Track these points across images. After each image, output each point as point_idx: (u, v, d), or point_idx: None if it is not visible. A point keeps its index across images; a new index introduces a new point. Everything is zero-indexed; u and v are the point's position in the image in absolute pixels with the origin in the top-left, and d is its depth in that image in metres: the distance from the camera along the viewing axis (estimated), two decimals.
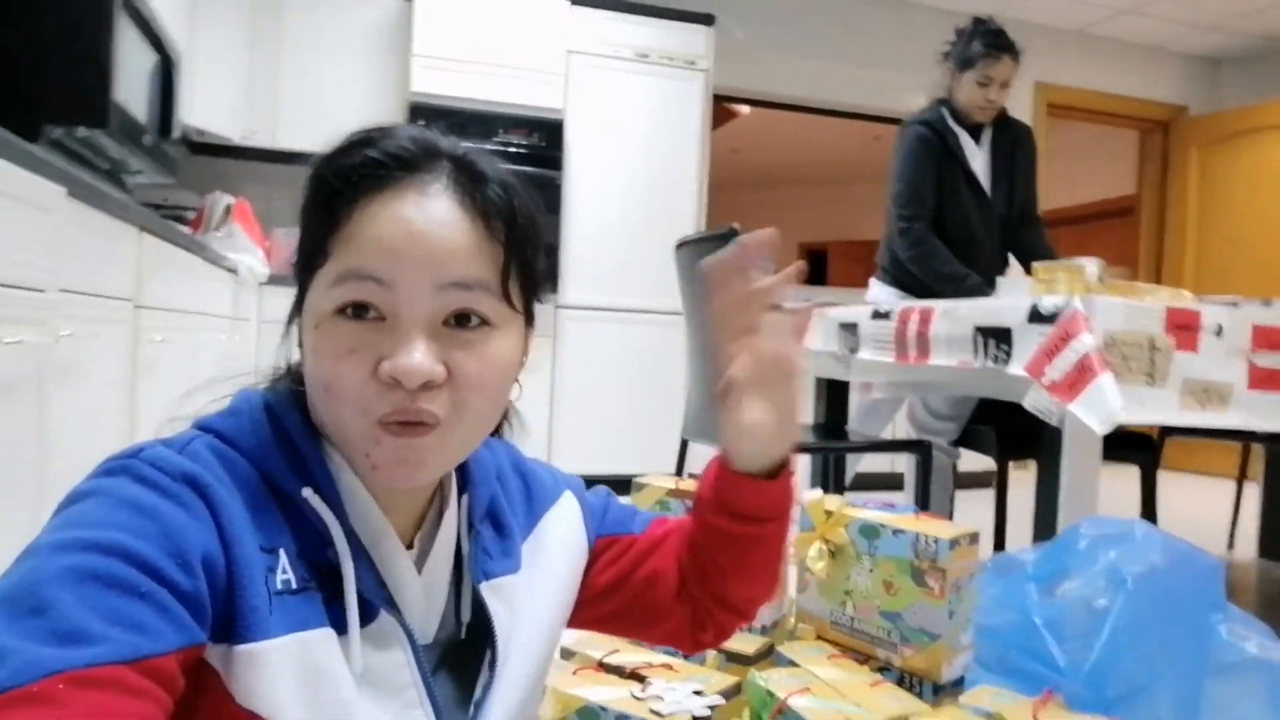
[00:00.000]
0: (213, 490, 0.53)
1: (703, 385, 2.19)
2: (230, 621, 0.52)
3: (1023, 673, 1.22)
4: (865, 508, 1.38)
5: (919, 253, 2.45)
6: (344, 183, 0.59)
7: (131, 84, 2.01)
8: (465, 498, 0.70)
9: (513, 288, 0.63)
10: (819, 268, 9.14)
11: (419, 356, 0.57)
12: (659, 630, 0.82)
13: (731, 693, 1.19)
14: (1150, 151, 5.16)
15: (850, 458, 2.54)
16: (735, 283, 0.71)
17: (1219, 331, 1.64)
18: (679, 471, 2.18)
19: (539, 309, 0.70)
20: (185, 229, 2.85)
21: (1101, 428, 1.47)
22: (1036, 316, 1.63)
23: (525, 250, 0.65)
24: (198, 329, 2.24)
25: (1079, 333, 1.54)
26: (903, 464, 2.71)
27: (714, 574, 0.78)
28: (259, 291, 3.14)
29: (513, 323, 0.64)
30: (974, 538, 1.25)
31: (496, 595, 0.69)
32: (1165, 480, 2.63)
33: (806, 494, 1.44)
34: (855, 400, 2.51)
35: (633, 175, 3.68)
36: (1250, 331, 1.66)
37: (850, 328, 2.25)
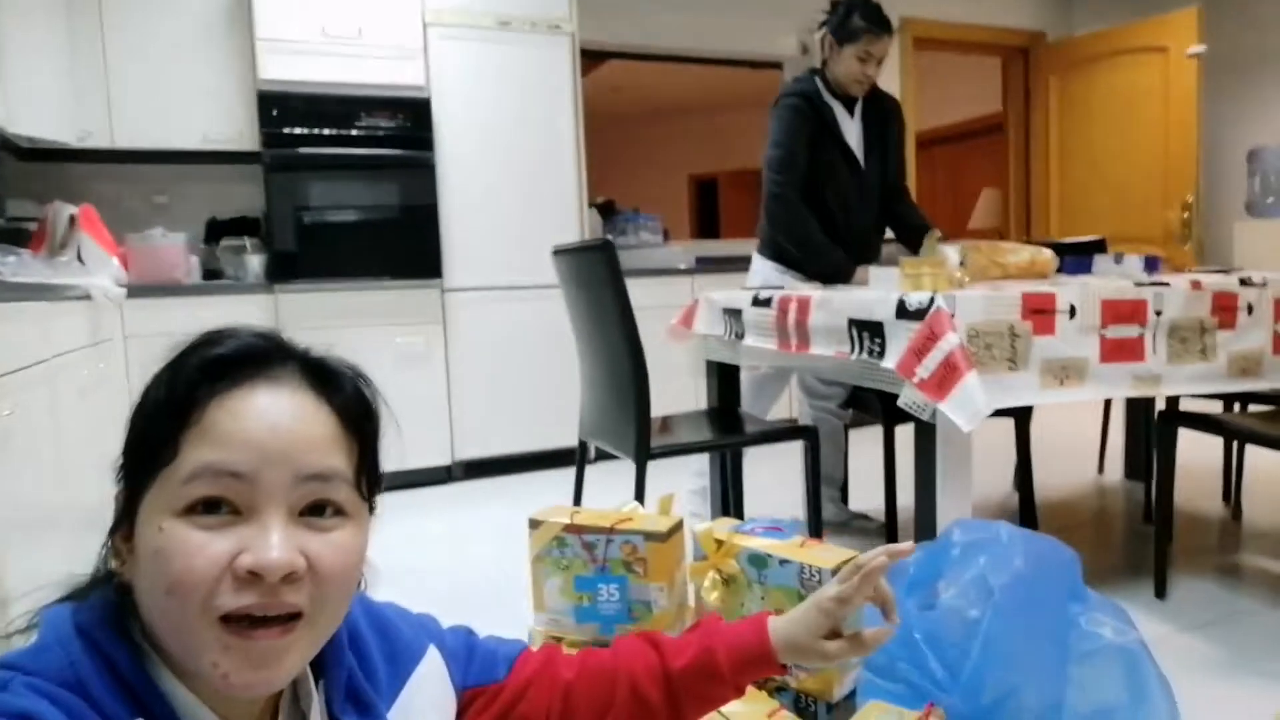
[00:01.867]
0: None
1: (595, 389, 2.19)
2: None
3: (908, 683, 1.31)
4: (754, 533, 1.42)
5: (789, 217, 2.47)
6: (197, 379, 0.60)
7: None
8: (320, 684, 0.70)
9: (363, 478, 0.66)
10: (709, 198, 9.15)
11: (282, 549, 0.57)
12: None
13: None
14: (1012, 77, 5.31)
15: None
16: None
17: (1072, 312, 1.73)
18: (579, 473, 2.19)
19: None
20: (23, 252, 2.64)
21: (968, 425, 1.55)
22: (904, 312, 1.69)
23: (375, 441, 0.68)
24: (54, 378, 2.10)
25: (944, 332, 1.60)
26: (805, 417, 2.79)
27: None
28: (119, 307, 2.95)
29: (362, 512, 0.66)
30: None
31: None
32: (1040, 409, 2.79)
33: (699, 525, 1.47)
34: (745, 376, 2.55)
35: (507, 147, 3.57)
36: (1099, 308, 1.76)
37: (734, 313, 2.28)
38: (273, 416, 0.60)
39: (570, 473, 2.31)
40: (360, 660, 0.75)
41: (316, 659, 0.69)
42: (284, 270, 3.25)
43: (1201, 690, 1.63)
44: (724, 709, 1.26)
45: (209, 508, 0.57)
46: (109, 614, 0.60)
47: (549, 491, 3.20)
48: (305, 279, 3.27)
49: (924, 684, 1.28)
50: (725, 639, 0.88)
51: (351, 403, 0.66)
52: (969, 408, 1.54)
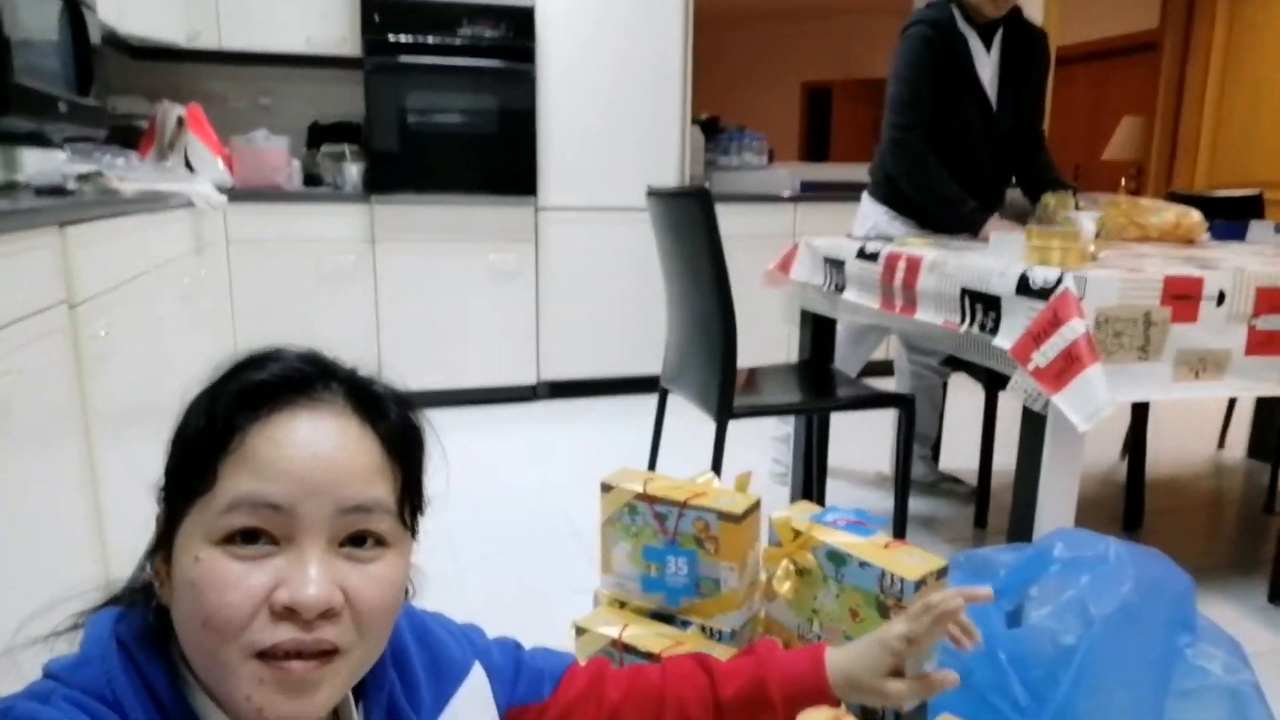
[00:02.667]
0: None
1: (681, 337, 2.11)
2: None
3: (985, 701, 1.23)
4: (835, 526, 1.34)
5: (913, 169, 2.28)
6: (237, 405, 0.57)
7: (29, 49, 1.81)
8: (361, 706, 0.68)
9: (406, 506, 0.63)
10: (823, 107, 8.69)
11: (319, 584, 0.55)
12: None
13: None
14: None
15: (846, 370, 2.46)
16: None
17: (1220, 299, 1.54)
18: (658, 426, 2.14)
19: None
20: (132, 154, 2.68)
21: (1084, 425, 1.41)
22: (1026, 289, 1.53)
23: (420, 467, 0.66)
24: (151, 291, 2.14)
25: (1069, 317, 1.44)
26: (903, 369, 2.64)
27: None
28: (224, 211, 3.00)
29: (404, 540, 0.63)
30: (942, 572, 1.22)
31: None
32: None
33: (776, 512, 1.40)
34: (843, 324, 2.41)
35: (610, 61, 3.40)
36: (1254, 295, 1.56)
37: (837, 264, 2.14)
38: (315, 446, 0.57)
39: (651, 401, 2.25)
40: (403, 677, 0.73)
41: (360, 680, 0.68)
42: (381, 180, 3.24)
43: None
44: None
45: (246, 538, 0.56)
46: (148, 629, 0.59)
47: (629, 419, 3.18)
48: (402, 190, 3.24)
49: (1003, 706, 1.20)
50: (779, 669, 0.87)
51: (396, 430, 0.63)
52: (1088, 405, 1.40)
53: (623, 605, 1.49)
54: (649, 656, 1.35)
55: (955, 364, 2.57)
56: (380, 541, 0.60)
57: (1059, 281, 1.46)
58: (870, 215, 2.48)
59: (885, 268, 1.91)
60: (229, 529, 0.55)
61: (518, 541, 2.14)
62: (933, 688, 0.87)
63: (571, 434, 3.15)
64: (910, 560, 1.23)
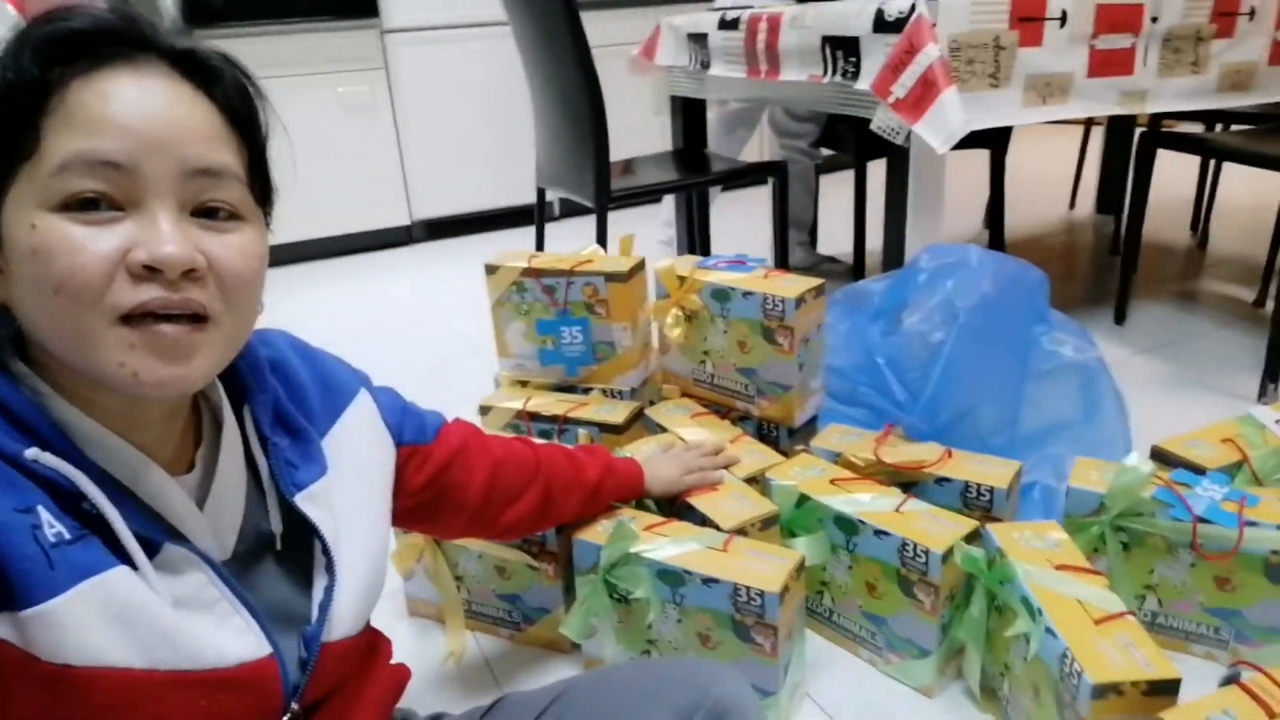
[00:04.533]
0: None
1: (551, 130, 2.05)
2: (5, 589, 0.49)
3: (869, 407, 1.32)
4: (716, 268, 1.37)
5: None
6: (51, 58, 0.51)
7: None
8: (246, 408, 0.67)
9: (255, 182, 0.60)
10: None
11: (178, 243, 0.52)
12: (437, 528, 1.01)
13: None
14: None
15: (713, 190, 2.48)
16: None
17: (1063, 19, 1.59)
18: (539, 222, 2.10)
19: None
20: None
21: (942, 147, 1.46)
22: (882, 24, 1.54)
23: (262, 139, 0.61)
24: None
25: (924, 44, 1.46)
26: (776, 157, 2.67)
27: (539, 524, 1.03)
28: None
29: (258, 219, 0.60)
30: (819, 290, 1.28)
31: (312, 502, 0.68)
32: (1015, 144, 2.69)
33: (658, 263, 1.42)
34: (713, 115, 2.40)
35: None
36: (1093, 13, 1.61)
37: (699, 39, 2.09)
38: (150, 103, 0.52)
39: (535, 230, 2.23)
40: (288, 388, 0.71)
41: (237, 385, 0.66)
42: (202, 13, 2.94)
43: (1153, 404, 1.69)
44: (688, 437, 1.29)
45: (87, 205, 0.51)
46: None
47: (513, 248, 3.12)
48: (224, 23, 2.96)
49: (885, 406, 1.30)
50: (616, 469, 1.10)
51: (234, 95, 0.58)
52: (945, 128, 1.44)
53: (525, 384, 1.51)
54: (555, 420, 1.38)
55: (825, 142, 2.61)
56: (234, 215, 0.56)
57: (912, 9, 1.47)
58: None
59: (748, 33, 1.88)
60: (65, 193, 0.50)
61: (418, 372, 2.11)
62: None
63: (454, 269, 3.08)
64: (788, 284, 1.28)
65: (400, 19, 3.21)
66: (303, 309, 2.67)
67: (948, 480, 1.12)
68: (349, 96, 3.19)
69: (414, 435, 0.85)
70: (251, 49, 3.00)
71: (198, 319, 0.54)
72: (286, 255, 3.25)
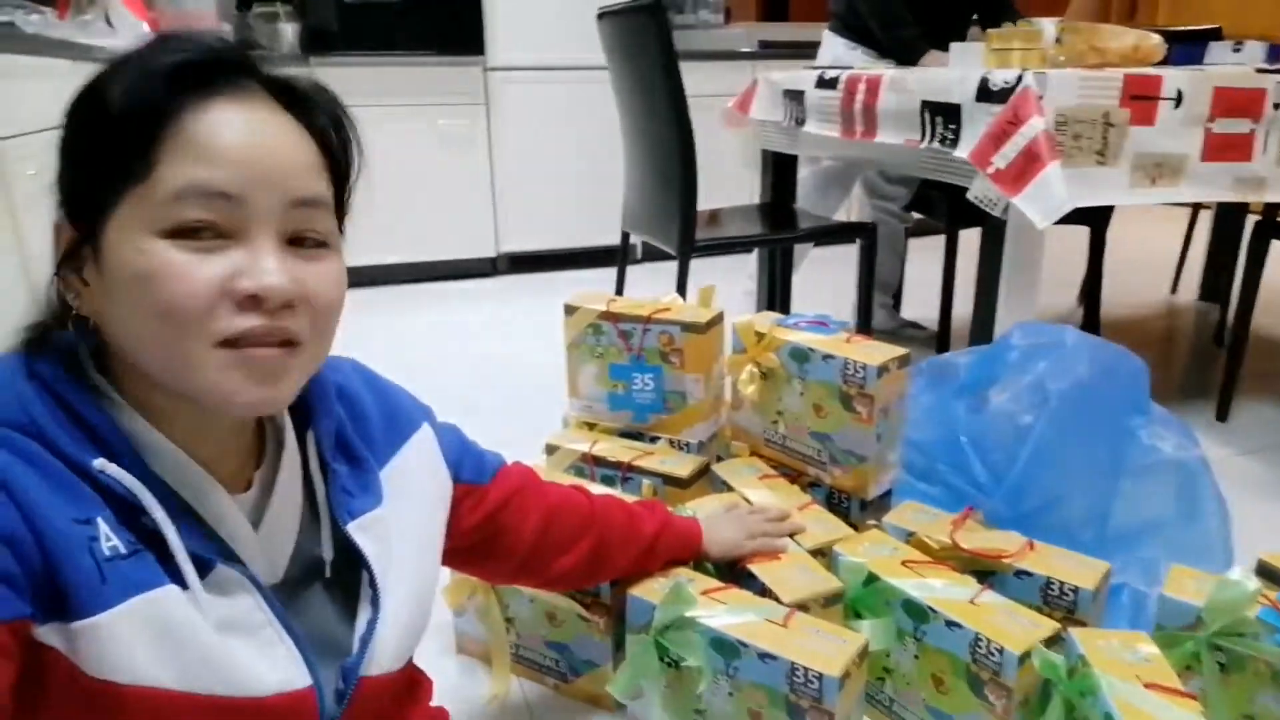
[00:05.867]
0: (1, 470, 0.49)
1: (639, 175, 2.06)
2: (60, 599, 0.50)
3: (947, 485, 1.26)
4: (797, 328, 1.34)
5: None
6: (166, 85, 0.53)
7: None
8: (310, 433, 0.67)
9: (340, 210, 0.62)
10: None
11: (281, 275, 0.54)
12: (485, 570, 0.99)
13: None
14: None
15: (800, 246, 2.45)
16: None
17: (1178, 100, 1.53)
18: (621, 267, 2.11)
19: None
20: (47, 11, 2.51)
21: (1043, 222, 1.41)
22: (986, 94, 1.50)
23: (350, 168, 0.63)
24: None
25: (1029, 116, 1.42)
26: (866, 218, 2.62)
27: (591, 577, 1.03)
28: None
29: (340, 246, 0.61)
30: (903, 360, 1.23)
31: (365, 533, 0.67)
32: (1116, 222, 2.59)
33: (738, 317, 1.39)
34: (806, 173, 2.38)
35: None
36: (1210, 96, 1.55)
37: (796, 96, 2.09)
38: (259, 135, 0.54)
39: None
40: (353, 416, 0.72)
41: (302, 408, 0.67)
42: (319, 41, 3.07)
43: (1259, 511, 1.57)
44: (755, 500, 1.25)
45: (194, 231, 0.53)
46: (63, 357, 0.56)
47: (594, 288, 3.14)
48: (341, 51, 3.09)
49: (964, 487, 1.24)
50: (674, 525, 1.07)
51: (329, 128, 0.60)
52: (1047, 202, 1.39)
53: (592, 427, 1.49)
54: (619, 466, 1.36)
55: (918, 206, 2.56)
56: (322, 244, 0.58)
57: (1019, 81, 1.43)
58: (830, 49, 2.42)
59: (845, 92, 1.87)
60: (178, 221, 0.52)
61: (488, 404, 2.12)
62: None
63: (534, 307, 3.11)
64: (872, 350, 1.23)
65: (504, 58, 3.30)
66: (382, 331, 2.73)
67: (1029, 574, 1.06)
68: (448, 129, 3.29)
69: (471, 474, 0.85)
70: (361, 77, 3.13)
71: (289, 343, 0.55)
72: (371, 277, 3.33)
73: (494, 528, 0.87)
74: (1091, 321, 2.52)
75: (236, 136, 0.53)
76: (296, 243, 0.57)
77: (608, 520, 0.99)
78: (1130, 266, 3.49)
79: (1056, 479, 1.18)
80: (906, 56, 2.20)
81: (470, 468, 0.85)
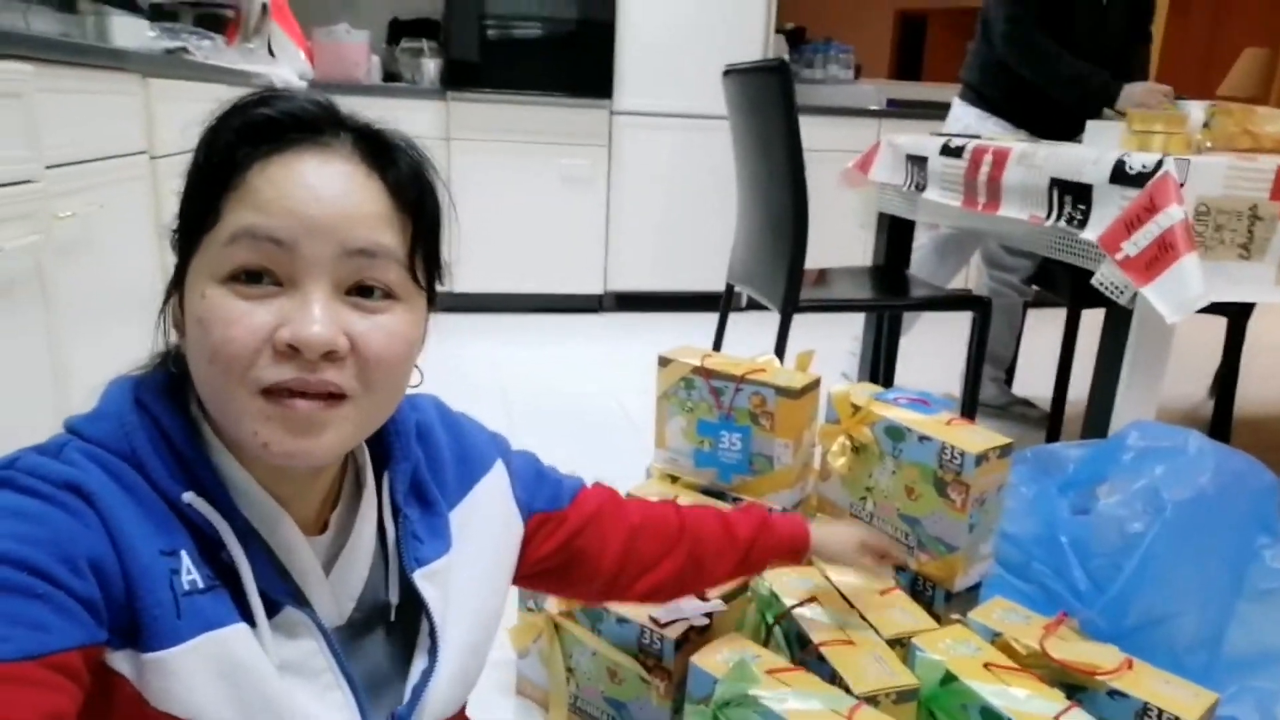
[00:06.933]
0: (98, 496, 0.52)
1: (750, 228, 2.06)
2: (134, 628, 0.52)
3: (1043, 587, 1.19)
4: (896, 403, 1.30)
5: (1033, 56, 2.16)
6: (241, 140, 0.55)
7: None
8: (386, 475, 0.67)
9: (419, 262, 0.60)
10: (916, 39, 8.29)
11: (322, 324, 0.54)
12: (568, 592, 0.98)
13: (736, 593, 1.19)
14: None
15: (909, 314, 2.39)
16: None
17: None
18: (723, 318, 2.10)
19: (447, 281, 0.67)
20: (218, 38, 2.72)
21: (1174, 316, 1.32)
22: (1121, 176, 1.43)
23: (433, 223, 0.62)
24: None
25: (1167, 204, 1.35)
26: (983, 288, 2.53)
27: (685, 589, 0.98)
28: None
29: (417, 299, 0.61)
30: (1005, 450, 1.18)
31: (430, 581, 0.67)
32: (1259, 315, 2.41)
33: (835, 386, 1.36)
34: (925, 239, 2.32)
35: None
36: None
37: (919, 161, 2.05)
38: (318, 187, 0.55)
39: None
40: (429, 457, 0.72)
41: (382, 451, 0.68)
42: (458, 77, 3.22)
43: None
44: (835, 579, 1.21)
45: (251, 278, 0.54)
46: (168, 387, 0.59)
47: (696, 334, 3.15)
48: (478, 88, 3.23)
49: (1061, 591, 1.16)
50: (777, 525, 1.00)
51: (406, 178, 0.59)
52: (1180, 295, 1.31)
53: (675, 480, 1.48)
54: None
55: (1038, 281, 2.46)
56: (389, 295, 0.58)
57: (1159, 165, 1.36)
58: (961, 117, 2.37)
59: (970, 162, 1.82)
60: (232, 265, 0.54)
61: (576, 440, 2.14)
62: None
63: (635, 345, 3.13)
64: (972, 436, 1.18)
65: (630, 103, 3.37)
66: (483, 356, 2.80)
67: (1124, 695, 0.98)
68: (570, 168, 3.38)
69: (547, 503, 0.84)
70: (495, 114, 3.26)
71: (333, 396, 0.55)
72: (479, 304, 3.44)
73: (573, 550, 0.85)
74: (1222, 420, 2.35)
75: (291, 185, 0.54)
76: (363, 293, 0.57)
77: (698, 532, 0.95)
78: (1271, 362, 3.24)
79: (1166, 596, 1.09)
80: (1107, 103, 2.13)
81: (546, 496, 0.84)
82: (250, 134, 0.55)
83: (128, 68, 1.51)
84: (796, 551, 1.02)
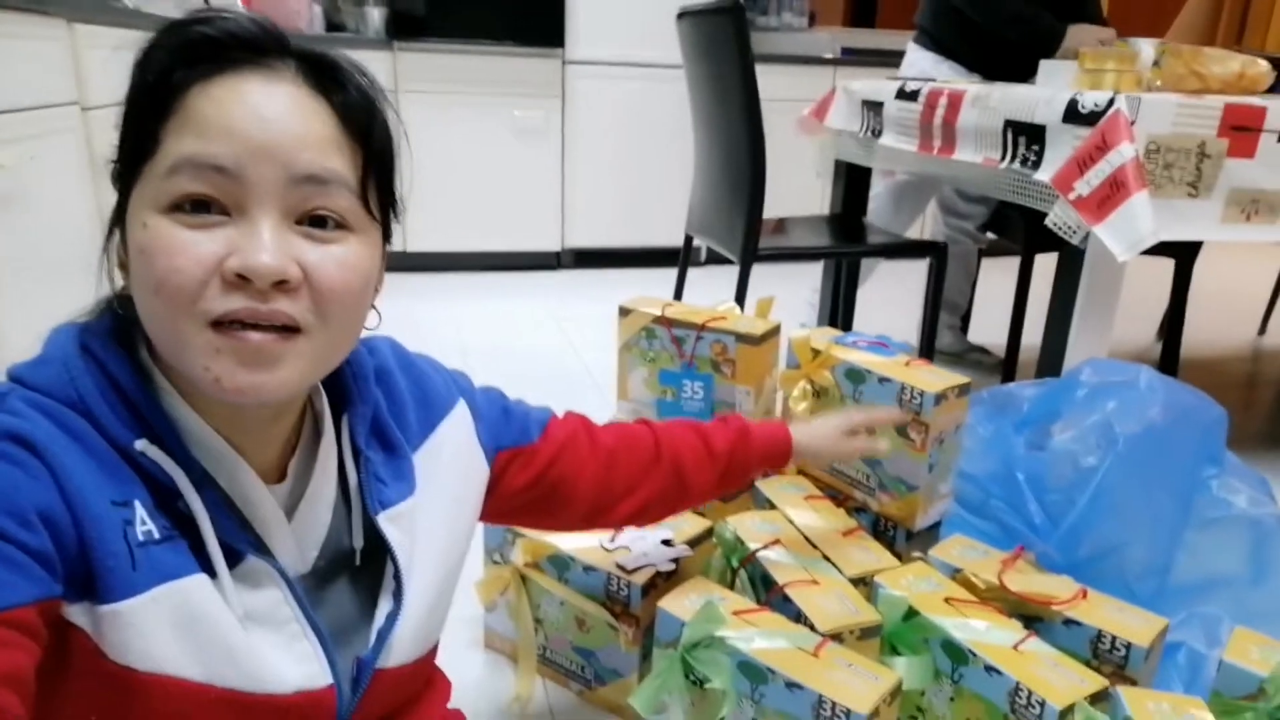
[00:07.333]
0: (43, 446, 0.49)
1: (707, 178, 2.03)
2: (90, 580, 0.50)
3: (1000, 523, 1.22)
4: (855, 347, 1.30)
5: None
6: (178, 62, 0.52)
7: None
8: (345, 418, 0.66)
9: (371, 192, 0.58)
10: (868, 2, 8.20)
11: (272, 252, 0.51)
12: (551, 524, 0.93)
13: (701, 538, 1.20)
14: None
15: (867, 260, 2.40)
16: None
17: None
18: (682, 270, 2.09)
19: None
20: None
21: (1125, 254, 1.34)
22: (1073, 115, 1.44)
23: (386, 152, 0.60)
24: None
25: (1118, 142, 1.36)
26: (939, 236, 2.55)
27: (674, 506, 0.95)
28: None
29: (371, 231, 0.59)
30: (963, 389, 1.19)
31: (395, 524, 0.66)
32: (1204, 255, 2.47)
33: (794, 331, 1.36)
34: (881, 186, 2.32)
35: None
36: None
37: (875, 107, 2.04)
38: (263, 108, 0.52)
39: None
40: (389, 399, 0.70)
41: (340, 394, 0.66)
42: (405, 26, 3.12)
43: None
44: (797, 521, 1.22)
45: (197, 208, 0.51)
46: (115, 332, 0.56)
47: (656, 289, 3.13)
48: (425, 37, 3.13)
49: (1018, 526, 1.19)
50: (758, 432, 0.98)
51: (355, 103, 0.57)
52: (1130, 233, 1.33)
53: None
54: None
55: (993, 226, 2.48)
56: (342, 225, 0.55)
57: (1110, 104, 1.37)
58: (916, 61, 2.36)
59: (925, 106, 1.81)
60: (175, 194, 0.51)
61: (537, 399, 2.12)
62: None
63: (594, 303, 3.10)
64: (931, 376, 1.19)
65: (583, 52, 3.30)
66: (440, 315, 2.76)
67: (1078, 624, 1.00)
68: (523, 120, 3.30)
69: (515, 438, 0.83)
70: (443, 64, 3.17)
71: (287, 329, 0.53)
72: (434, 263, 3.37)
73: (549, 481, 0.84)
74: (1170, 360, 2.41)
75: (235, 109, 0.51)
76: (317, 223, 0.54)
77: (675, 448, 0.93)
78: (1216, 303, 3.33)
79: (1117, 527, 1.12)
80: (1051, 45, 2.13)
81: (514, 432, 0.83)
82: (188, 54, 0.52)
83: (50, 10, 1.43)
84: (780, 454, 0.99)
